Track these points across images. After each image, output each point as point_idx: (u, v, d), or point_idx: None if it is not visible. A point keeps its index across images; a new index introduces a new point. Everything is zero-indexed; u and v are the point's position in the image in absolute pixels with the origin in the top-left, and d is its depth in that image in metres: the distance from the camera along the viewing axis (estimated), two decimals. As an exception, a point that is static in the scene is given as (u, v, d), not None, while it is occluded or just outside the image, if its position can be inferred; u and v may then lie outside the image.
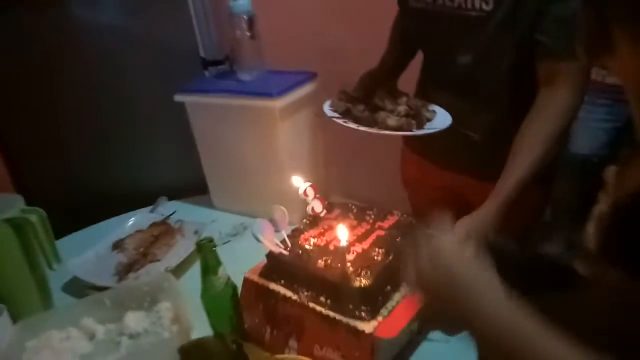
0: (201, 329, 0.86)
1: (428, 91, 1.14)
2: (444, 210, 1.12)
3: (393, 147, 1.31)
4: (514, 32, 0.91)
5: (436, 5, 1.02)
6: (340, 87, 1.17)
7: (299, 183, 0.92)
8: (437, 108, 1.04)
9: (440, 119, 1.00)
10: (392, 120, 0.97)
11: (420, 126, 0.98)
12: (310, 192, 0.92)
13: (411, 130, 0.97)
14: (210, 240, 0.78)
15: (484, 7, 0.95)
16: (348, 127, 0.99)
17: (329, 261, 0.80)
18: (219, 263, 0.79)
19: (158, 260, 1.16)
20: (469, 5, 0.97)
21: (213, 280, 0.79)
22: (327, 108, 1.06)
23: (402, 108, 1.00)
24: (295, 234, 0.88)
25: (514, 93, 0.98)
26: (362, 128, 0.98)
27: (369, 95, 1.04)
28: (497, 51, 0.95)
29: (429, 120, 1.00)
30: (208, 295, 0.81)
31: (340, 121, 1.01)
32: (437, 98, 1.09)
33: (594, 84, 1.41)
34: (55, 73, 1.40)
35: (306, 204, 0.94)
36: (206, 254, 0.78)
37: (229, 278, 0.82)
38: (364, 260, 0.80)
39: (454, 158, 1.11)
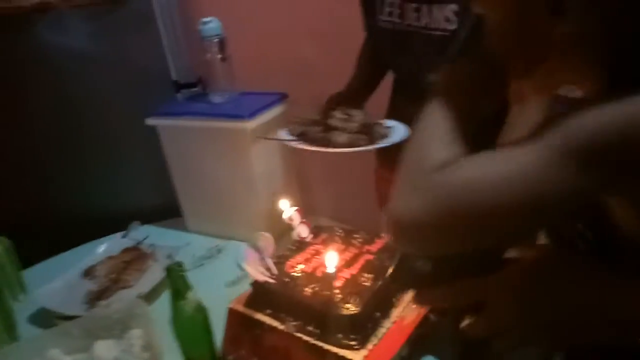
0: (172, 355, 0.84)
1: (400, 108, 1.16)
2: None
3: (371, 167, 1.33)
4: (477, 50, 0.94)
5: (403, 25, 1.06)
6: (311, 107, 1.18)
7: (285, 207, 0.91)
8: (394, 123, 1.05)
9: (398, 133, 1.01)
10: (342, 138, 0.98)
11: (372, 142, 0.99)
12: (296, 217, 0.91)
13: (361, 146, 0.97)
14: (179, 264, 0.77)
15: (448, 26, 0.98)
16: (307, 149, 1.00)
17: (316, 288, 0.78)
18: (188, 287, 0.78)
19: (130, 286, 1.14)
20: (434, 25, 1.01)
21: (182, 305, 0.78)
22: (282, 132, 1.07)
23: (353, 125, 1.01)
24: (281, 261, 0.87)
25: None
26: (314, 148, 0.98)
27: (327, 116, 1.06)
28: None
29: (384, 136, 1.01)
30: (178, 321, 0.79)
31: (293, 143, 1.02)
32: (410, 115, 1.10)
33: (559, 99, 1.45)
34: (24, 97, 1.39)
35: (283, 224, 0.93)
36: (175, 278, 0.77)
37: (199, 303, 0.80)
38: (352, 286, 0.79)
39: None
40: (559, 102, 0.55)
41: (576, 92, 0.53)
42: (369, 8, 1.16)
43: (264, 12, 1.59)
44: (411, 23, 1.05)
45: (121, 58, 1.43)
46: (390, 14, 1.10)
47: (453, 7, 0.99)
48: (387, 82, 1.26)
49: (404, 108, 1.12)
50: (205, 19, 1.20)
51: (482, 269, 0.51)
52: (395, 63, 1.18)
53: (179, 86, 1.49)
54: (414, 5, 1.05)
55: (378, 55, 1.22)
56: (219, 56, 1.22)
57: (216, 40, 1.21)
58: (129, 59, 1.44)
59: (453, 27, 0.98)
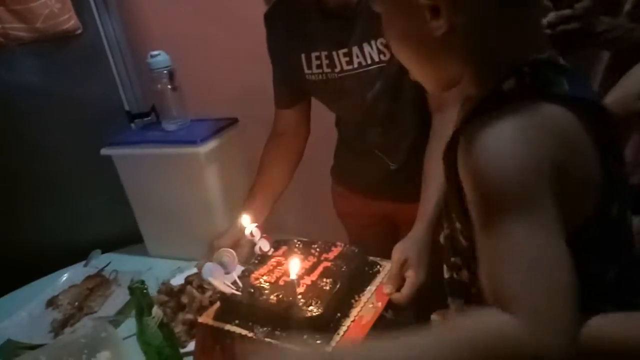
0: (141, 372, 0.89)
1: (351, 132, 1.24)
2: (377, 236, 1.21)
3: (326, 182, 1.40)
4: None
5: (334, 74, 1.09)
6: (260, 129, 1.26)
7: (246, 224, 0.97)
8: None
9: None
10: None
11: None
12: (257, 233, 0.97)
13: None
14: (142, 282, 0.83)
15: (382, 57, 1.03)
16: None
17: (280, 296, 0.83)
18: (151, 304, 0.84)
19: (95, 312, 1.17)
20: (369, 62, 1.05)
21: (148, 321, 0.83)
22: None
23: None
24: (245, 274, 0.91)
25: (422, 120, 1.07)
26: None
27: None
28: (403, 88, 1.05)
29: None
30: (144, 336, 0.84)
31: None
32: (363, 136, 1.17)
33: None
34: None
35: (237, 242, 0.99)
36: (139, 296, 0.82)
37: (163, 317, 0.86)
38: (313, 291, 0.84)
39: (379, 187, 1.20)
40: (467, 102, 0.62)
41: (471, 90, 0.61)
42: (292, 70, 1.14)
43: (210, 41, 1.65)
44: (343, 68, 1.07)
45: (74, 91, 1.47)
46: (318, 66, 1.10)
47: (382, 40, 1.01)
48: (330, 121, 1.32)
49: (359, 132, 1.18)
50: (153, 52, 1.26)
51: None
52: (335, 102, 1.20)
53: (132, 116, 1.54)
54: (343, 51, 1.05)
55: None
56: (169, 86, 1.29)
57: (165, 71, 1.27)
58: (81, 92, 1.48)
59: (387, 57, 1.02)
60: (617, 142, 0.58)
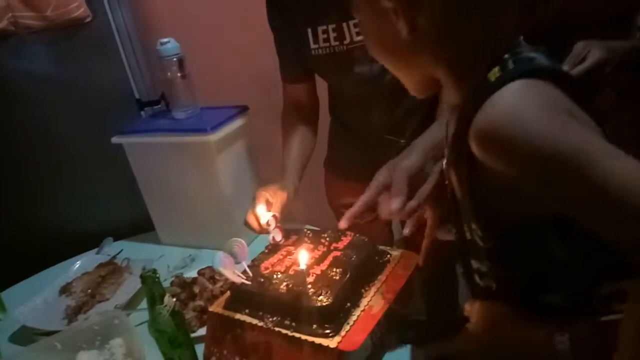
0: (155, 359, 0.90)
1: (353, 114, 1.22)
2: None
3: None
4: None
5: (343, 47, 1.08)
6: (270, 117, 1.25)
7: (263, 213, 0.97)
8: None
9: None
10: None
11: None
12: (272, 222, 0.97)
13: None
14: (154, 271, 0.83)
15: None
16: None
17: (290, 285, 0.84)
18: (163, 292, 0.84)
19: (107, 300, 1.18)
20: None
21: (160, 309, 0.83)
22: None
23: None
24: (255, 264, 0.92)
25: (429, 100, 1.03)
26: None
27: None
28: None
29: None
30: (156, 324, 0.85)
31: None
32: (367, 116, 1.16)
33: None
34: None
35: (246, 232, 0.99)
36: (151, 284, 0.83)
37: (175, 305, 0.86)
38: (323, 280, 0.84)
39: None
40: (454, 109, 0.62)
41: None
42: (297, 44, 1.13)
43: (219, 28, 1.64)
44: (353, 39, 1.06)
45: (84, 80, 1.47)
46: (325, 40, 1.09)
47: None
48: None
49: (362, 110, 1.16)
50: (163, 40, 1.26)
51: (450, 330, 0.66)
52: (339, 83, 1.19)
53: (142, 104, 1.54)
54: (354, 21, 1.03)
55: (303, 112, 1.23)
56: (179, 74, 1.28)
57: (175, 59, 1.27)
58: (92, 80, 1.48)
59: None
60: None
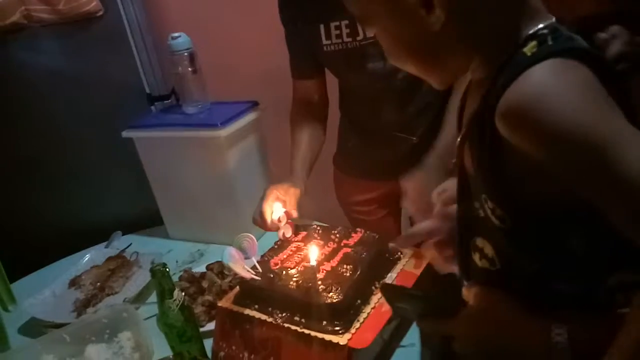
0: (163, 353, 0.90)
1: (364, 110, 1.21)
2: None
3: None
4: None
5: (355, 43, 1.07)
6: (280, 112, 1.25)
7: (277, 209, 0.96)
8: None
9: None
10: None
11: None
12: (283, 218, 0.97)
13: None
14: (164, 265, 0.83)
15: None
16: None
17: (300, 281, 0.83)
18: (173, 286, 0.84)
19: (116, 293, 1.19)
20: None
21: (169, 303, 0.83)
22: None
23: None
24: (265, 259, 0.91)
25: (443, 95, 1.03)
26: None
27: None
28: None
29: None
30: (165, 318, 0.85)
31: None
32: (379, 113, 1.15)
33: None
34: (5, 116, 1.42)
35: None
36: (160, 278, 0.82)
37: (184, 300, 0.86)
38: (333, 277, 0.83)
39: (391, 166, 1.16)
40: (478, 84, 0.60)
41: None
42: (308, 40, 1.12)
43: (231, 23, 1.64)
44: (366, 35, 1.05)
45: (95, 74, 1.48)
46: (338, 36, 1.08)
47: None
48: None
49: (373, 108, 1.15)
50: (174, 34, 1.26)
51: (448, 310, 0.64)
52: (350, 79, 1.18)
53: (152, 99, 1.55)
54: None
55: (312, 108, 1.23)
56: (190, 69, 1.28)
57: (186, 54, 1.26)
58: (102, 74, 1.49)
59: None
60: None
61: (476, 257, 0.64)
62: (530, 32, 0.53)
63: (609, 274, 0.54)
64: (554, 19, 0.55)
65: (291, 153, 1.20)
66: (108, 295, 1.18)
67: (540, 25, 0.53)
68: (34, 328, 1.10)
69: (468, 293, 0.64)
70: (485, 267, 0.63)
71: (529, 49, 0.51)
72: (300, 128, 1.22)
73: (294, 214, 1.03)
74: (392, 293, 0.71)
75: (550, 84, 0.48)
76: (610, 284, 0.54)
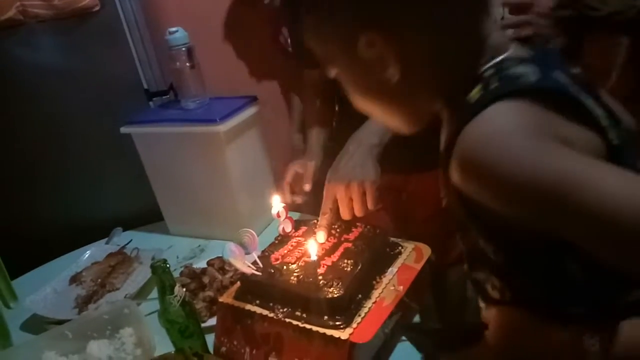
0: (165, 349, 0.90)
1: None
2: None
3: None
4: None
5: None
6: (279, 108, 1.24)
7: (276, 203, 0.96)
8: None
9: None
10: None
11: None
12: (282, 213, 0.97)
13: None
14: (164, 261, 0.83)
15: None
16: None
17: (301, 276, 0.83)
18: (174, 282, 0.84)
19: (117, 289, 1.19)
20: None
21: (170, 299, 0.83)
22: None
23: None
24: (265, 254, 0.91)
25: None
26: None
27: None
28: None
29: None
30: (167, 314, 0.85)
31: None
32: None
33: None
34: (2, 112, 1.41)
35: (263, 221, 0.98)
36: (161, 274, 0.83)
37: (185, 295, 0.86)
38: (334, 272, 0.83)
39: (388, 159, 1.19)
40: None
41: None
42: None
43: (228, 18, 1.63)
44: None
45: (93, 69, 1.46)
46: None
47: None
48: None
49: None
50: (171, 29, 1.25)
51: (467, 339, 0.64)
52: None
53: (150, 94, 1.54)
54: None
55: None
56: (188, 64, 1.27)
57: (184, 49, 1.26)
58: (100, 70, 1.47)
59: None
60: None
61: (488, 286, 0.63)
62: (479, 72, 0.51)
63: (626, 291, 0.53)
64: (511, 51, 0.52)
65: (307, 130, 1.26)
66: (109, 291, 1.18)
67: (488, 65, 0.51)
68: (36, 325, 1.10)
69: (488, 314, 0.63)
70: (500, 297, 0.62)
71: (474, 94, 0.50)
72: (313, 106, 1.27)
73: (307, 187, 1.10)
74: (413, 333, 0.72)
75: (494, 129, 0.45)
76: (630, 300, 0.53)
